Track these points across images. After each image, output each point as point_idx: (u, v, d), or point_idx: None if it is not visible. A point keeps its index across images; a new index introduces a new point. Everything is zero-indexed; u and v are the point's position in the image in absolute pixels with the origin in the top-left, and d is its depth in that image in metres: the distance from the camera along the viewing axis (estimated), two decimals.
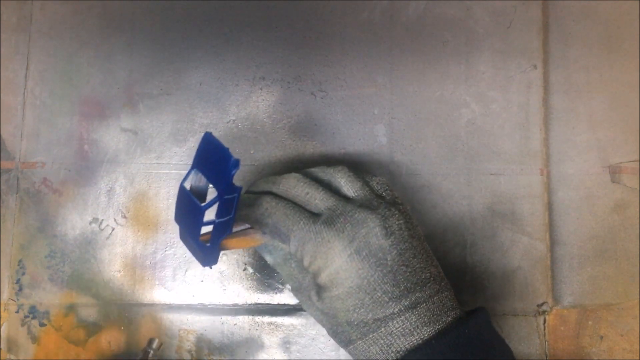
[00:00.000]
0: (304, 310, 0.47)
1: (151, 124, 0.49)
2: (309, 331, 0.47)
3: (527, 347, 0.47)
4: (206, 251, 0.37)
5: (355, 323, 0.35)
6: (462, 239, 0.48)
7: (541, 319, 0.48)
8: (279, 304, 0.48)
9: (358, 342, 0.35)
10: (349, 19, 0.50)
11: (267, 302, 0.48)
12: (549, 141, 0.49)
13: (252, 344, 0.47)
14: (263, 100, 0.49)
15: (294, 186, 0.38)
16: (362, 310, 0.34)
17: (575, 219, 0.49)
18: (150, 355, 0.44)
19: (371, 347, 0.35)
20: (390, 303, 0.34)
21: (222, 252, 0.38)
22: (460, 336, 0.34)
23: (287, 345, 0.47)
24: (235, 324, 0.48)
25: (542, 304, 0.48)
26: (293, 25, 0.50)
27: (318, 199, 0.37)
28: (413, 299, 0.35)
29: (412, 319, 0.34)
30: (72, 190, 0.48)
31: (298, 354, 0.47)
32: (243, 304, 0.48)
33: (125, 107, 0.49)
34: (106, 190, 0.48)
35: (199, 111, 0.49)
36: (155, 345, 0.45)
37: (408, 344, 0.34)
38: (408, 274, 0.35)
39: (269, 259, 0.40)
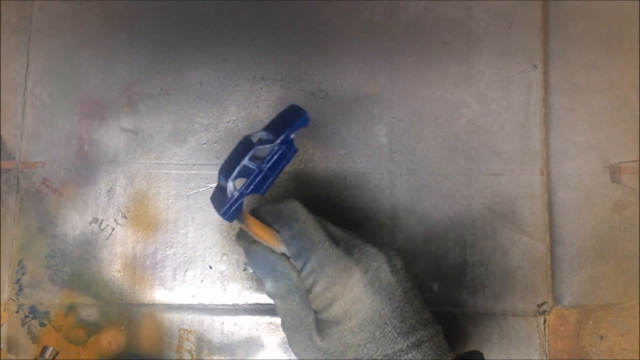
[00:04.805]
0: None
1: (151, 124, 0.49)
2: None
3: (527, 347, 0.47)
4: (229, 201, 0.35)
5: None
6: (462, 239, 0.48)
7: (541, 319, 0.48)
8: None
9: None
10: (349, 19, 0.50)
11: (267, 302, 0.48)
12: (549, 141, 0.49)
13: (252, 344, 0.47)
14: (263, 100, 0.49)
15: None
16: (372, 345, 0.34)
17: (575, 219, 0.49)
18: None
19: None
20: (399, 339, 0.34)
21: (238, 224, 0.37)
22: None
23: (287, 345, 0.47)
24: (235, 324, 0.48)
25: (542, 304, 0.48)
26: (293, 25, 0.50)
27: (330, 227, 0.37)
28: (418, 336, 0.35)
29: (418, 356, 0.34)
30: (72, 190, 0.48)
31: None
32: (243, 304, 0.48)
33: (125, 107, 0.49)
34: (106, 190, 0.48)
35: (199, 111, 0.49)
36: (48, 354, 0.43)
37: None
38: (412, 312, 0.35)
39: (270, 286, 0.37)
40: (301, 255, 0.35)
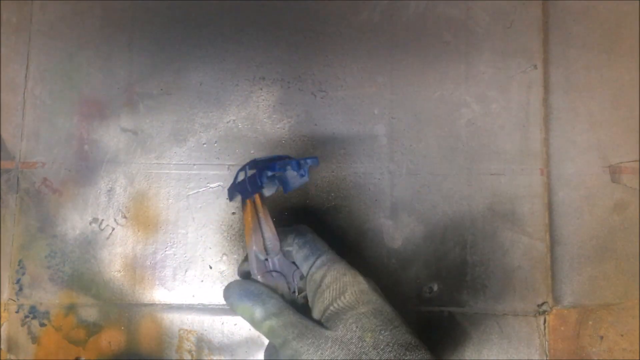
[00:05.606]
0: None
1: (151, 124, 0.49)
2: None
3: (527, 347, 0.47)
4: (234, 184, 0.40)
5: (382, 347, 0.35)
6: (463, 238, 0.48)
7: (541, 319, 0.48)
8: None
9: None
10: (349, 19, 0.50)
11: None
12: (549, 141, 0.49)
13: (252, 344, 0.47)
14: (263, 100, 0.49)
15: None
16: (388, 333, 0.35)
17: (575, 219, 0.49)
18: None
19: None
20: (408, 335, 0.36)
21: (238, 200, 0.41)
22: None
23: None
24: (235, 324, 0.48)
25: (542, 304, 0.48)
26: (293, 25, 0.50)
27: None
28: (419, 341, 0.36)
29: (427, 356, 0.35)
30: (72, 190, 0.48)
31: None
32: None
33: (125, 107, 0.49)
34: (106, 190, 0.48)
35: (199, 111, 0.49)
36: None
37: None
38: (410, 328, 0.37)
39: (260, 311, 0.37)
40: (313, 254, 0.39)
